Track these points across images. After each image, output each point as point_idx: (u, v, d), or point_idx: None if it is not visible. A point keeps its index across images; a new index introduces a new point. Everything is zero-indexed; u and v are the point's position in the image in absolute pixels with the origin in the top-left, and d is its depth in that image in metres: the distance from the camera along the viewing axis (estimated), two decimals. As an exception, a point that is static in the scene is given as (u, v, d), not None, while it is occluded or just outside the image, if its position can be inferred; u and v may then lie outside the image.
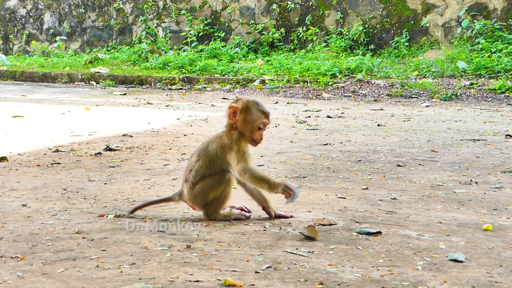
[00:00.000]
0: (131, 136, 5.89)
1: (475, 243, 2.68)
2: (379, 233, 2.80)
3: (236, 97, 3.10)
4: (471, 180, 3.97)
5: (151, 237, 2.72)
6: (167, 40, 15.69)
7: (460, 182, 3.93)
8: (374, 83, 10.85)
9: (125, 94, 10.95)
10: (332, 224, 2.96)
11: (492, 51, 11.59)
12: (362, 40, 13.48)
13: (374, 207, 3.29)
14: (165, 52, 14.78)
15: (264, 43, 14.46)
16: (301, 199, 3.38)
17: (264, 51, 14.34)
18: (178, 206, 3.24)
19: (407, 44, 13.01)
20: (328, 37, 13.84)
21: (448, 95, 9.68)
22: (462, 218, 3.10)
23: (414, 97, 9.87)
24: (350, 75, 11.55)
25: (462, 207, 3.32)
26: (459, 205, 3.37)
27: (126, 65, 14.27)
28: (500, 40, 11.99)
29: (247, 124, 2.91)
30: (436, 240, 2.72)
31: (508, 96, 9.63)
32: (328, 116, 7.67)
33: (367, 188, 3.75)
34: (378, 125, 6.87)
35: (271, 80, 11.56)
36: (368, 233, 2.80)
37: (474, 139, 5.76)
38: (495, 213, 3.20)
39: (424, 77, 11.08)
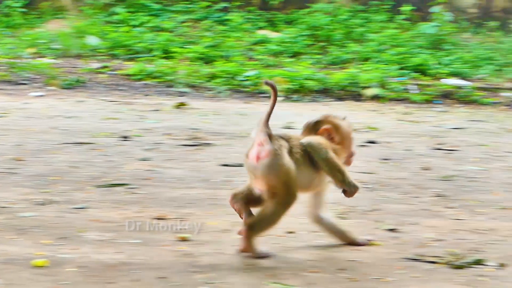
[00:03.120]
0: None
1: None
2: None
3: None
4: (50, 200, 4.09)
5: None
6: None
7: (34, 202, 4.03)
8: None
9: None
10: None
11: (132, 24, 12.14)
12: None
13: None
14: None
15: None
16: None
17: None
18: None
19: (23, 10, 12.97)
20: None
21: (71, 82, 9.86)
22: (14, 251, 3.17)
23: (25, 83, 9.85)
24: None
25: (22, 236, 3.40)
26: (18, 233, 3.45)
27: None
28: (143, 10, 12.61)
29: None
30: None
31: (146, 84, 10.12)
32: None
33: None
34: None
35: None
36: None
37: (80, 142, 5.95)
38: (62, 243, 3.33)
39: (43, 57, 11.16)
